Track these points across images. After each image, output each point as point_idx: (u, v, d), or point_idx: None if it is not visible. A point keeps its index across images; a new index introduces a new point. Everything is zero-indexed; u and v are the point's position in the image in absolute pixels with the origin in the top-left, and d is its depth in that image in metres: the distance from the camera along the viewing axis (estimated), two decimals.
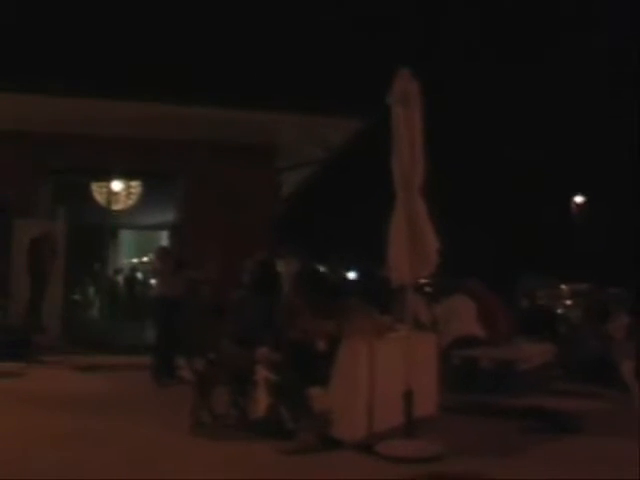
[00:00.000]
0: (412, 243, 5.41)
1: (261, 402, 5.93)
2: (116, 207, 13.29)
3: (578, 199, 36.59)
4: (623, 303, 11.42)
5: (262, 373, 5.89)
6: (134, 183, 13.37)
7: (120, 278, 17.93)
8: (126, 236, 18.60)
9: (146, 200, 13.60)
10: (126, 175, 12.81)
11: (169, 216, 13.11)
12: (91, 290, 17.12)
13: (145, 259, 17.45)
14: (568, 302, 20.32)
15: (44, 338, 10.55)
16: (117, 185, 13.16)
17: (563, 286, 25.42)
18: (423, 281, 14.28)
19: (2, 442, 5.51)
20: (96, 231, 13.70)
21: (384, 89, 5.74)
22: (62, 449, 5.32)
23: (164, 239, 13.98)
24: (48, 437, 5.65)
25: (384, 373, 5.51)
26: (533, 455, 5.43)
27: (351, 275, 22.46)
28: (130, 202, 13.54)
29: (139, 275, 18.11)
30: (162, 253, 9.43)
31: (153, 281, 9.50)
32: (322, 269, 12.86)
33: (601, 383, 8.20)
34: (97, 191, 13.44)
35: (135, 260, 19.36)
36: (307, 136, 11.58)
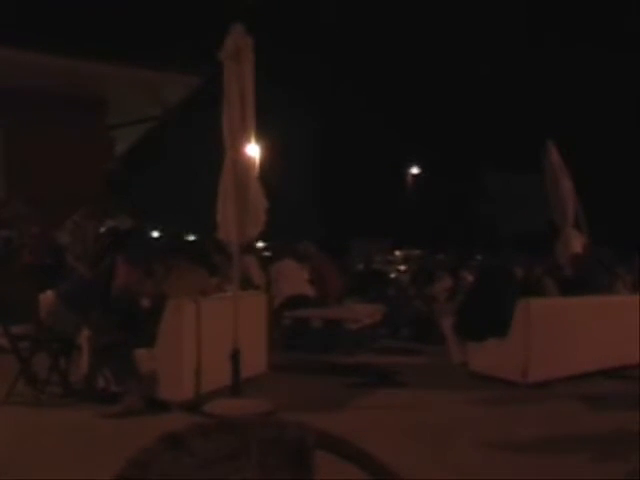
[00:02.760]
0: (240, 201, 5.35)
1: (84, 365, 5.67)
2: None
3: (414, 170, 38.48)
4: (447, 268, 12.16)
5: (85, 334, 5.63)
6: None
7: None
8: None
9: None
10: None
11: None
12: None
13: None
14: (401, 267, 21.28)
15: None
16: None
17: (397, 252, 26.72)
18: (261, 245, 14.37)
19: None
20: None
21: (220, 44, 5.58)
22: None
23: None
24: None
25: (211, 333, 5.45)
26: (356, 406, 5.67)
27: (189, 237, 22.10)
28: None
29: None
30: None
31: None
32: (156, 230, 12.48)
33: (423, 340, 8.70)
34: None
35: None
36: (140, 91, 11.06)
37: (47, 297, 5.89)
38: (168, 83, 11.05)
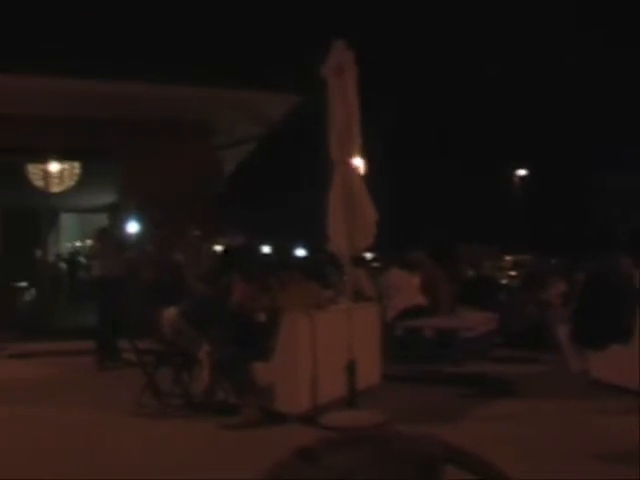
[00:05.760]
0: (350, 214, 5.42)
1: (204, 379, 5.89)
2: (55, 189, 12.88)
3: (521, 172, 37.35)
4: (561, 272, 11.74)
5: (205, 349, 5.85)
6: (72, 164, 12.96)
7: (62, 263, 17.50)
8: (67, 219, 18.14)
9: (87, 181, 13.23)
10: (63, 155, 12.42)
11: (111, 197, 12.82)
12: (33, 275, 16.67)
13: (88, 242, 17.08)
14: (512, 273, 20.70)
15: None
16: (54, 166, 12.75)
17: (507, 257, 26.00)
18: (370, 255, 14.41)
19: None
20: (35, 215, 13.29)
21: (321, 61, 5.70)
22: None
23: (106, 221, 13.67)
24: None
25: (326, 345, 5.53)
26: (471, 417, 5.59)
27: (299, 252, 22.46)
28: (69, 183, 13.12)
29: (81, 259, 17.73)
30: (101, 234, 9.25)
31: (94, 263, 9.33)
32: (267, 246, 12.80)
33: (539, 348, 8.43)
34: (33, 173, 12.99)
35: (77, 243, 18.94)
36: (244, 112, 11.45)
37: (170, 313, 6.17)
38: (270, 102, 11.35)
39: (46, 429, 5.45)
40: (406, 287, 8.85)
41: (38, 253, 13.89)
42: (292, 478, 1.35)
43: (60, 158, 12.49)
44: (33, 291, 13.84)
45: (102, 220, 13.83)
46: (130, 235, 8.86)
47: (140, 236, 8.85)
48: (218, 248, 9.37)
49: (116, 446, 4.98)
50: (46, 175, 12.76)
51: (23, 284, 14.96)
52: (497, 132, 38.45)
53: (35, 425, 5.56)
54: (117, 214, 9.46)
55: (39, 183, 12.89)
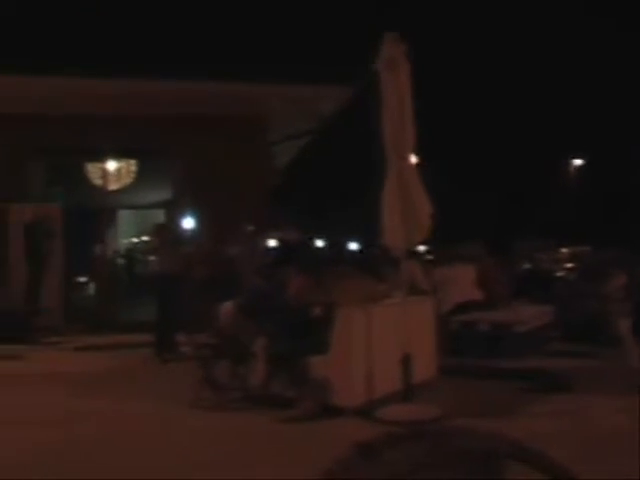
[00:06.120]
0: (404, 208, 5.40)
1: (260, 372, 5.97)
2: (112, 187, 13.23)
3: (577, 162, 36.44)
4: (621, 264, 11.42)
5: (260, 342, 5.93)
6: (128, 162, 13.30)
7: (120, 259, 17.92)
8: (125, 216, 18.57)
9: (143, 179, 13.55)
10: (120, 154, 12.75)
11: (166, 194, 13.09)
12: (91, 271, 17.15)
13: (145, 238, 17.46)
14: (569, 265, 20.24)
15: (44, 320, 10.59)
16: (112, 165, 13.10)
17: (563, 249, 25.40)
18: (423, 248, 14.31)
19: None
20: (94, 212, 13.67)
21: (370, 54, 5.69)
22: (53, 428, 5.30)
23: (163, 217, 13.97)
24: (39, 418, 5.63)
25: (382, 339, 5.54)
26: (527, 412, 5.52)
27: (352, 245, 22.38)
28: (127, 181, 13.46)
29: (138, 255, 18.13)
30: (159, 230, 9.46)
31: (152, 258, 9.56)
32: (320, 240, 12.87)
33: (598, 342, 8.25)
34: (92, 171, 13.38)
35: (135, 239, 19.36)
36: (296, 106, 11.53)
37: (226, 308, 6.26)
38: (322, 96, 11.40)
39: (110, 420, 5.62)
40: (462, 281, 8.78)
41: (97, 249, 14.27)
42: (353, 475, 1.35)
43: (117, 156, 12.82)
44: (92, 286, 14.27)
45: (157, 217, 14.18)
46: (186, 231, 9.03)
47: (196, 232, 9.01)
48: (272, 243, 9.51)
49: (176, 438, 5.09)
50: (104, 173, 13.12)
51: (83, 279, 15.45)
52: (552, 122, 37.56)
53: (100, 416, 5.73)
54: (173, 210, 9.62)
55: (98, 182, 13.27)
